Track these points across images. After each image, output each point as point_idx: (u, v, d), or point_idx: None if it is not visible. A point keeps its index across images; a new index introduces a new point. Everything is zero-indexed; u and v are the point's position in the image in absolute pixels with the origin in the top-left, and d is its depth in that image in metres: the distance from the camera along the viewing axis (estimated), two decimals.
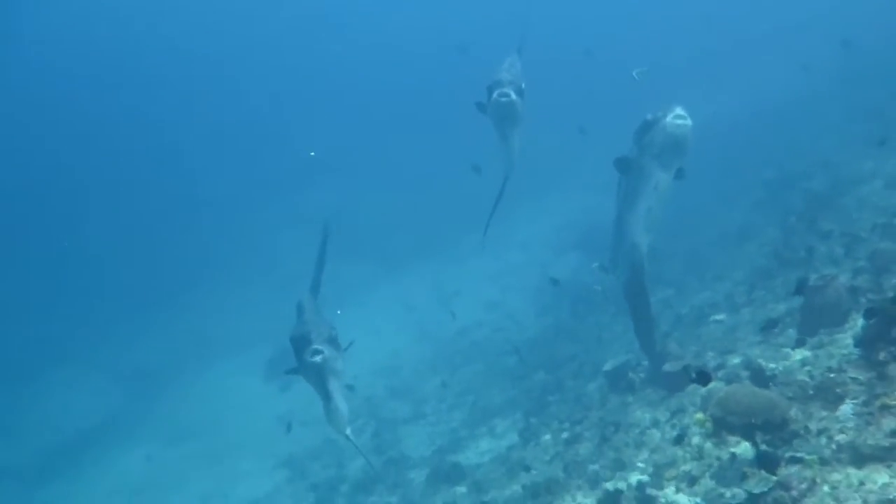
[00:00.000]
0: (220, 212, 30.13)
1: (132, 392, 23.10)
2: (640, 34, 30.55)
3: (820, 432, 5.84)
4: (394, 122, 31.41)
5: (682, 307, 12.37)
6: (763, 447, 5.81)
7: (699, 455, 6.89)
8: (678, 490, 6.74)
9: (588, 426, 9.61)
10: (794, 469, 5.53)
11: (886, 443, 5.40)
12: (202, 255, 28.02)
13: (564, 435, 9.91)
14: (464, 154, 13.30)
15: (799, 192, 14.10)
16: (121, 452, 19.58)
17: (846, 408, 5.93)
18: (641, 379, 9.77)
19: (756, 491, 5.52)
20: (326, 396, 7.37)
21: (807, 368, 6.91)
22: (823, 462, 5.55)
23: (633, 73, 10.38)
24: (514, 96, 8.32)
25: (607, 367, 10.32)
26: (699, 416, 6.62)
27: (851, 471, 5.39)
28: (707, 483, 6.49)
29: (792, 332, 8.25)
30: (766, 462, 5.70)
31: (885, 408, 5.63)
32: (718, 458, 6.56)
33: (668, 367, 8.91)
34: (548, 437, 10.28)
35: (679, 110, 8.08)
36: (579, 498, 7.91)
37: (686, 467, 6.92)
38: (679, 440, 7.37)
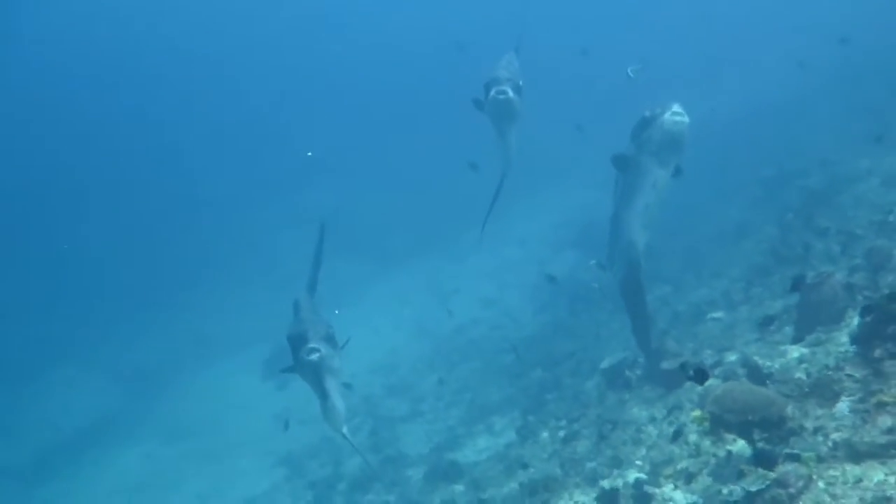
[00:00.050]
0: (219, 212, 30.05)
1: (131, 391, 23.07)
2: (637, 33, 30.53)
3: (816, 430, 5.84)
4: (392, 120, 31.37)
5: (679, 304, 12.40)
6: (760, 444, 5.81)
7: (696, 452, 6.91)
8: (675, 487, 6.75)
9: (585, 424, 9.62)
10: (790, 466, 5.53)
11: (882, 440, 5.41)
12: (202, 255, 27.95)
13: (562, 433, 9.91)
14: (461, 152, 13.30)
15: (796, 190, 14.07)
16: (120, 451, 19.56)
17: (843, 405, 5.94)
18: (638, 376, 9.78)
19: (753, 488, 5.51)
20: (323, 395, 7.38)
21: (803, 366, 6.92)
22: (820, 459, 5.54)
23: (628, 71, 10.44)
24: (511, 94, 8.31)
25: (604, 364, 10.34)
26: (696, 413, 6.61)
27: (848, 468, 5.38)
28: (704, 480, 6.51)
29: (789, 330, 8.27)
30: (762, 459, 5.70)
31: (881, 405, 5.64)
32: (715, 456, 6.57)
33: (665, 364, 8.93)
34: (545, 434, 10.30)
35: (677, 107, 8.12)
36: (577, 495, 7.90)
37: (683, 465, 6.93)
38: (676, 438, 7.39)
